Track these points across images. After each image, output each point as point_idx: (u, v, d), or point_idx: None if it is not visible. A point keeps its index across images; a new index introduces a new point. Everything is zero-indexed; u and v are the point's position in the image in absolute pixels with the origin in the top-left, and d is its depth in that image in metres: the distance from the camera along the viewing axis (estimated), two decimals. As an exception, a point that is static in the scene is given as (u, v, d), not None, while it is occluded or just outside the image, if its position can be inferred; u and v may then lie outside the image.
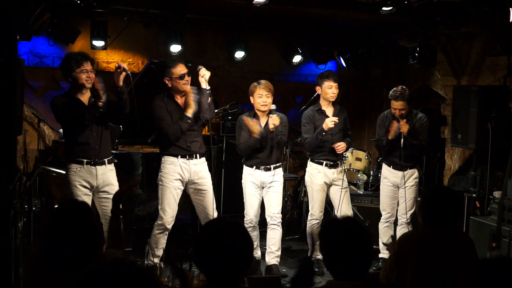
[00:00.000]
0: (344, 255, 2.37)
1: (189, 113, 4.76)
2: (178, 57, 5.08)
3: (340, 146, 5.24)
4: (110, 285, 1.60)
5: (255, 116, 5.13)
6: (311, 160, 5.40)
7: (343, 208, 5.36)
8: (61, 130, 5.61)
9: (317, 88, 5.39)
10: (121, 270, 1.63)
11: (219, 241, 2.17)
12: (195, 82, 4.89)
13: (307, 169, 5.47)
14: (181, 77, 4.76)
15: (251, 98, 5.12)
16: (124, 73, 4.36)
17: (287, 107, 7.82)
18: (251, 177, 5.16)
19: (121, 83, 4.37)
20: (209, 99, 4.81)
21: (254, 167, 5.14)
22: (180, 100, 4.88)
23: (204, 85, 4.77)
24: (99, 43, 5.93)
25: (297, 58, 7.20)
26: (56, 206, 2.78)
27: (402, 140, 5.16)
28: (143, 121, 5.04)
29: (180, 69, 4.78)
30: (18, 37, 4.53)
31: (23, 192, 3.92)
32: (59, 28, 5.64)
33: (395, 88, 5.27)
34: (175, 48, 6.17)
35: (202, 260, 2.20)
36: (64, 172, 5.43)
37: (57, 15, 5.51)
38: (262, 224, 5.35)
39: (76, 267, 2.42)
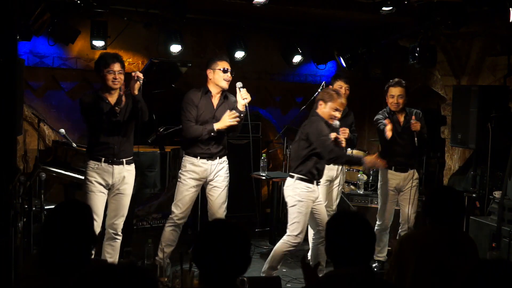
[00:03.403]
0: (348, 243, 2.46)
1: (217, 127, 4.77)
2: (225, 55, 5.08)
3: (345, 129, 5.07)
4: (109, 286, 1.60)
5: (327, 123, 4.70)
6: None
7: (328, 203, 5.40)
8: (61, 130, 5.62)
9: (330, 87, 5.49)
10: (120, 270, 1.63)
11: (217, 242, 2.20)
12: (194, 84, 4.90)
13: None
14: (225, 70, 4.81)
15: (322, 103, 4.68)
16: (138, 83, 4.38)
17: (287, 107, 7.82)
18: (311, 193, 4.66)
19: (136, 91, 4.39)
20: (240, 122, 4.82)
21: (315, 182, 4.73)
22: (216, 99, 4.90)
23: (242, 108, 4.75)
24: (99, 43, 5.93)
25: (297, 58, 7.20)
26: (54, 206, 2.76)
27: (416, 139, 5.13)
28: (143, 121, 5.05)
29: (226, 64, 4.85)
30: (18, 37, 4.53)
31: (23, 192, 3.92)
32: (59, 28, 5.64)
33: (390, 80, 5.36)
34: (175, 48, 6.17)
35: (200, 260, 2.22)
36: (64, 172, 5.47)
37: (57, 15, 5.51)
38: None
39: (74, 269, 2.41)
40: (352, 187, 6.45)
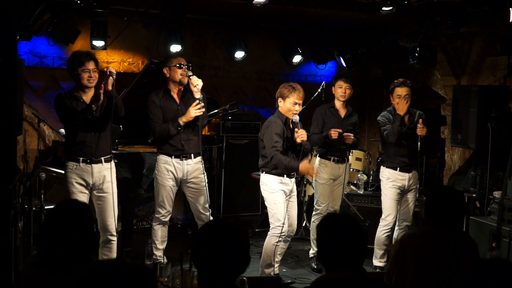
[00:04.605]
0: (338, 247, 2.43)
1: (183, 120, 4.79)
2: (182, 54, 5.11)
3: (350, 135, 5.31)
4: (108, 285, 1.60)
5: (287, 120, 4.76)
6: (320, 156, 5.53)
7: (331, 203, 5.48)
8: (61, 130, 5.62)
9: (332, 88, 5.53)
10: (119, 270, 1.63)
11: (216, 242, 2.19)
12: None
13: (315, 164, 5.58)
14: (180, 66, 4.83)
15: (280, 100, 4.74)
16: (111, 78, 4.35)
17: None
18: (282, 185, 4.74)
19: (109, 87, 4.37)
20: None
21: (285, 175, 4.75)
22: (177, 95, 4.92)
23: (198, 95, 4.77)
24: (99, 43, 5.93)
25: (297, 58, 7.20)
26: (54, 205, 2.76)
27: (419, 143, 5.14)
28: (143, 121, 5.06)
29: (181, 60, 4.88)
30: (18, 37, 4.53)
31: (23, 192, 3.92)
32: (59, 28, 5.64)
33: (395, 80, 5.35)
34: (175, 48, 6.18)
35: (199, 260, 2.21)
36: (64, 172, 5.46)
37: (57, 15, 5.51)
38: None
39: (74, 269, 2.41)
40: (352, 187, 6.45)
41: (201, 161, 5.00)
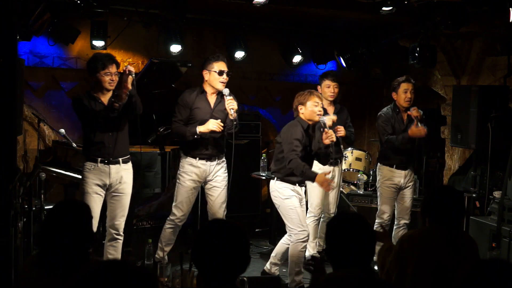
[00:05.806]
0: (349, 245, 2.45)
1: (200, 130, 4.78)
2: (222, 55, 5.06)
3: (340, 127, 5.21)
4: (108, 285, 1.60)
5: (308, 128, 4.73)
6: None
7: (326, 206, 5.47)
8: (61, 130, 5.62)
9: (318, 87, 5.52)
10: (119, 270, 1.63)
11: (216, 241, 2.20)
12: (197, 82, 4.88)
13: None
14: (220, 72, 4.80)
15: (301, 107, 4.72)
16: (130, 77, 4.36)
17: (287, 107, 7.80)
18: (294, 192, 4.73)
19: (129, 86, 4.37)
20: (235, 128, 4.78)
21: (297, 183, 4.75)
22: (212, 98, 4.91)
23: (231, 116, 4.73)
24: (99, 43, 5.93)
25: (297, 58, 7.20)
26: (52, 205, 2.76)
27: (416, 141, 5.22)
28: (143, 121, 5.05)
29: (222, 65, 4.83)
30: (18, 37, 4.52)
31: (23, 192, 3.92)
32: (59, 28, 5.64)
33: (397, 78, 5.38)
34: (175, 48, 6.18)
35: (199, 260, 2.22)
36: (64, 172, 5.48)
37: (57, 15, 5.51)
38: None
39: (72, 269, 2.41)
40: (352, 187, 6.46)
41: (224, 161, 5.03)
